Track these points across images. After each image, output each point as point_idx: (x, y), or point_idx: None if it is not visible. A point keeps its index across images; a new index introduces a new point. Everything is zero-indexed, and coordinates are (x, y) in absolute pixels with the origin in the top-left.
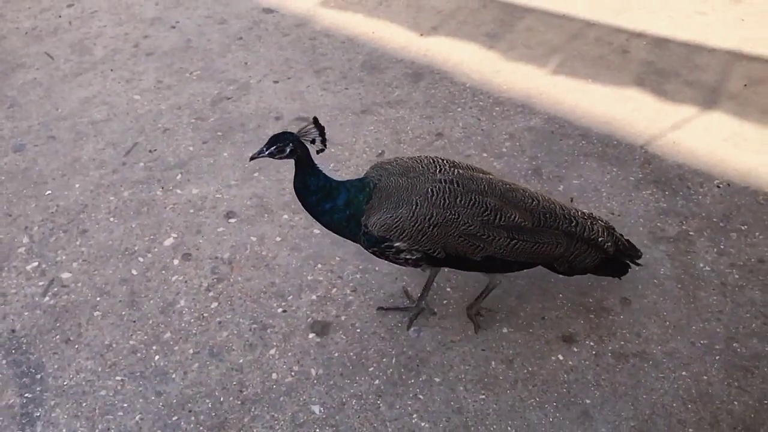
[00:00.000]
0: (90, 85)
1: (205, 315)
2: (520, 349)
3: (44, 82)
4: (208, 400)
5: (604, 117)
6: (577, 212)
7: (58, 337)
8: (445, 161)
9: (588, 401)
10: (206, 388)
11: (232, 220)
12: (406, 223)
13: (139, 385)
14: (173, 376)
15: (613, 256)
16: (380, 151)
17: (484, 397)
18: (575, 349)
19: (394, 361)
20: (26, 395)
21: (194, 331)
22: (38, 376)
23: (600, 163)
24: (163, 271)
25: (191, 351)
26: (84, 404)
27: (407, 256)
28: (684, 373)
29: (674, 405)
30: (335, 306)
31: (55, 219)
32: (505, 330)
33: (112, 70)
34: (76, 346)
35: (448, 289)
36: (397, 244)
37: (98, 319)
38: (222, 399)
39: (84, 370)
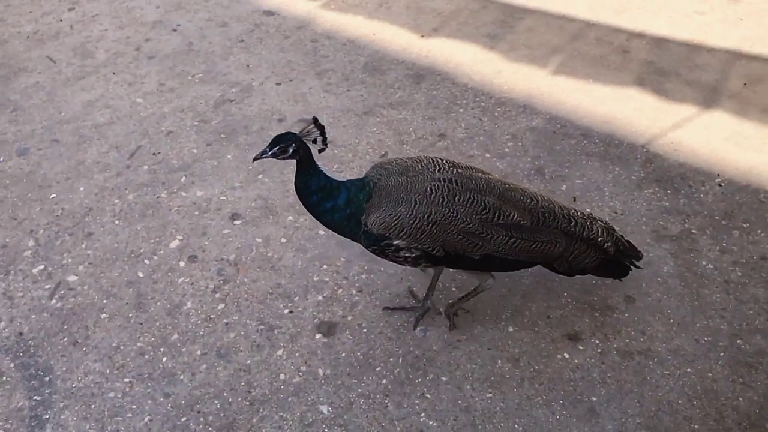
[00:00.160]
0: (92, 88)
1: (212, 316)
2: (526, 348)
3: (47, 86)
4: (216, 401)
5: (606, 117)
6: (577, 212)
7: (65, 339)
8: (444, 161)
9: (594, 399)
10: (214, 389)
11: (237, 222)
12: (405, 221)
13: (148, 387)
14: (181, 377)
15: (613, 257)
16: (383, 153)
17: (491, 395)
18: (581, 348)
19: (401, 360)
20: (35, 398)
21: (201, 333)
22: (47, 379)
23: (602, 163)
24: (170, 273)
25: (199, 352)
26: (93, 406)
27: (406, 254)
28: (689, 370)
29: (680, 402)
30: (341, 306)
31: (61, 222)
32: (510, 329)
33: (114, 73)
34: (84, 349)
35: (454, 289)
36: (396, 242)
37: (105, 322)
38: (230, 400)
39: (92, 372)
